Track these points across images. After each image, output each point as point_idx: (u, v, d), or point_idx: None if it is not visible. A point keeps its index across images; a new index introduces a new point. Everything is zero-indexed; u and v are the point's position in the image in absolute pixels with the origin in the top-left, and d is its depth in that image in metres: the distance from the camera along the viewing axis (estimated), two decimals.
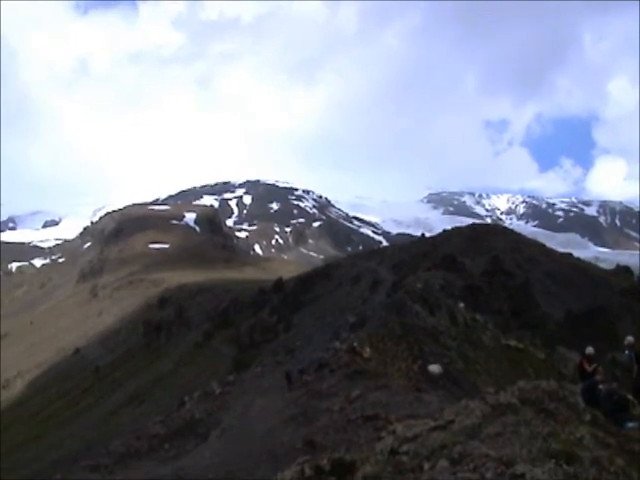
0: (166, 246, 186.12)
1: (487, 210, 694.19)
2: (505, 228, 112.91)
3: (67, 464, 40.52)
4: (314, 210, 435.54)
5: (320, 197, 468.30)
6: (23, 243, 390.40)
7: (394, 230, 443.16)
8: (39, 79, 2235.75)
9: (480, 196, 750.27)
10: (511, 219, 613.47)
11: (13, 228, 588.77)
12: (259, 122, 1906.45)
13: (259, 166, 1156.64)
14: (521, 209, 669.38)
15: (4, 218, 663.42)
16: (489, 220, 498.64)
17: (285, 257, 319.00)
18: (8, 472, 66.62)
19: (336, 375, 28.35)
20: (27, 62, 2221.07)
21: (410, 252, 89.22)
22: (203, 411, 31.19)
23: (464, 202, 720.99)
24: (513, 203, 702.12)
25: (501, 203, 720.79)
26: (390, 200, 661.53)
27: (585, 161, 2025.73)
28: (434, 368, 30.81)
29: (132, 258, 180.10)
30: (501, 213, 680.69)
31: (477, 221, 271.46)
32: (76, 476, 27.05)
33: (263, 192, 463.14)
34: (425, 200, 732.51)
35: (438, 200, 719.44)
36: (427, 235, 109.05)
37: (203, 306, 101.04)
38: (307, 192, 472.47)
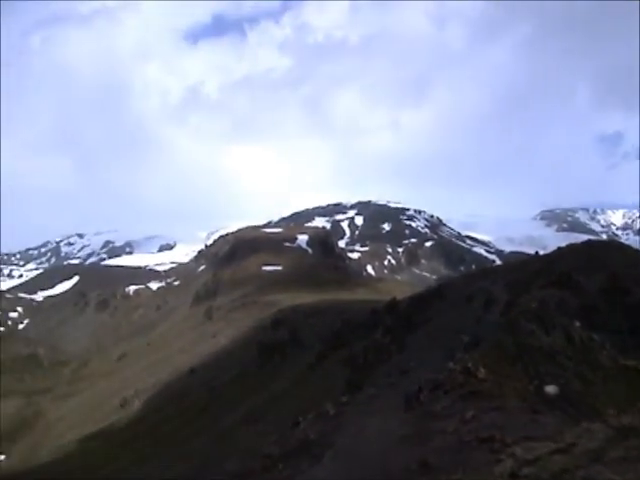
0: (279, 268, 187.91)
1: (602, 226, 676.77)
2: (622, 244, 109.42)
3: None
4: (426, 230, 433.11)
5: (432, 216, 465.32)
6: (139, 267, 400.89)
7: (507, 248, 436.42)
8: (152, 109, 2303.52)
9: (595, 212, 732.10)
10: (627, 234, 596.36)
11: (130, 252, 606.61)
12: (369, 143, 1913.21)
13: (370, 187, 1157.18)
14: (638, 224, 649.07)
15: (121, 243, 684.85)
16: (605, 236, 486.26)
17: (398, 277, 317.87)
18: None
19: (450, 396, 27.89)
20: (140, 93, 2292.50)
21: (524, 270, 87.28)
22: (317, 432, 31.12)
23: (578, 218, 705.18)
24: (629, 218, 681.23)
25: (617, 218, 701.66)
26: (503, 217, 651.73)
27: None
28: (550, 389, 29.93)
29: (245, 280, 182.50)
30: (617, 229, 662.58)
31: (592, 237, 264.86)
32: None
33: (375, 213, 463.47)
34: (538, 217, 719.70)
35: (551, 217, 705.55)
36: (541, 253, 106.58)
37: (316, 327, 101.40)
38: (419, 212, 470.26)
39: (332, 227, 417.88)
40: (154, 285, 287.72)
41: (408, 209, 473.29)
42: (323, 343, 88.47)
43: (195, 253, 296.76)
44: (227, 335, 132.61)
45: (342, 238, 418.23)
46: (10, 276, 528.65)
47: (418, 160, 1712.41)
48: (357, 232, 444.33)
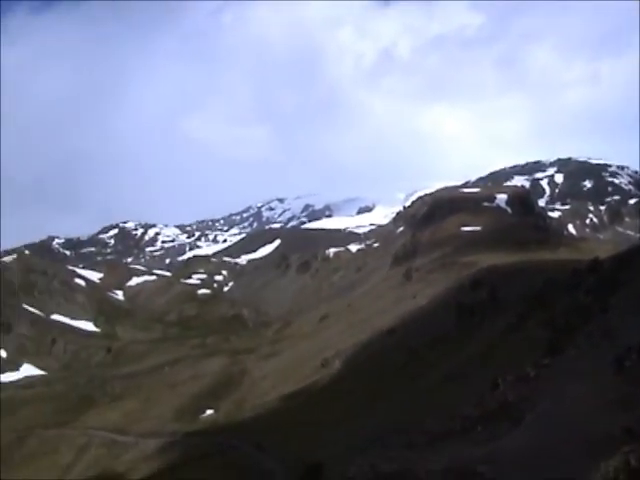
0: (478, 228, 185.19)
1: None
2: None
3: (382, 441, 41.30)
4: (630, 186, 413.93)
5: (636, 172, 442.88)
6: (339, 230, 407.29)
7: None
8: (345, 73, 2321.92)
9: None
10: None
11: (329, 215, 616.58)
12: (567, 97, 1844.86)
13: (570, 143, 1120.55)
14: None
15: (321, 206, 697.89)
16: None
17: (600, 237, 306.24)
18: (329, 444, 69.57)
19: None
20: (333, 58, 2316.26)
21: None
22: (517, 394, 30.32)
23: None
24: None
25: None
26: None
27: None
28: None
29: (444, 241, 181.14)
30: None
31: None
32: (392, 453, 27.29)
33: (575, 170, 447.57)
34: None
35: None
36: None
37: (516, 288, 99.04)
38: (622, 168, 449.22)
39: (531, 186, 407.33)
40: (354, 247, 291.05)
41: (610, 165, 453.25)
42: (523, 304, 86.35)
43: (393, 214, 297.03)
44: (426, 296, 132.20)
45: (542, 197, 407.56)
46: (215, 241, 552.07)
47: (621, 113, 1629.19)
48: (557, 190, 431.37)
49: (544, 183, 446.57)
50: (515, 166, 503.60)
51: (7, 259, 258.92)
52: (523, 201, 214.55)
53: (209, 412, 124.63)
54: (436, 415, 37.78)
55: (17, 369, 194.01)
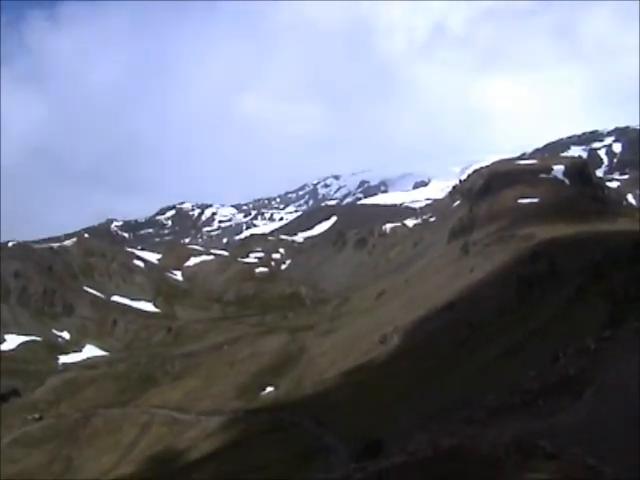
0: (535, 200, 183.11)
1: None
2: None
3: (442, 416, 41.37)
4: None
5: None
6: (395, 205, 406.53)
7: None
8: (398, 48, 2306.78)
9: None
10: None
11: (385, 191, 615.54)
12: (624, 64, 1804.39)
13: (628, 111, 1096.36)
14: None
15: (376, 182, 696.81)
16: None
17: None
18: (389, 420, 69.84)
19: None
20: (385, 34, 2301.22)
21: None
22: (577, 367, 30.02)
23: None
24: None
25: None
26: None
27: None
28: None
29: (501, 214, 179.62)
30: None
31: None
32: (452, 428, 27.29)
33: (634, 138, 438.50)
34: None
35: None
36: None
37: (576, 260, 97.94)
38: None
39: (589, 156, 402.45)
40: (410, 222, 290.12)
41: None
42: (583, 276, 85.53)
43: (449, 189, 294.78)
44: (484, 270, 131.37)
45: (600, 167, 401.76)
46: (271, 219, 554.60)
47: None
48: (615, 160, 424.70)
49: (602, 153, 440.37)
50: (572, 136, 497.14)
51: (67, 243, 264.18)
52: (581, 172, 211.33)
53: (269, 389, 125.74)
54: (496, 389, 37.64)
55: (80, 350, 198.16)
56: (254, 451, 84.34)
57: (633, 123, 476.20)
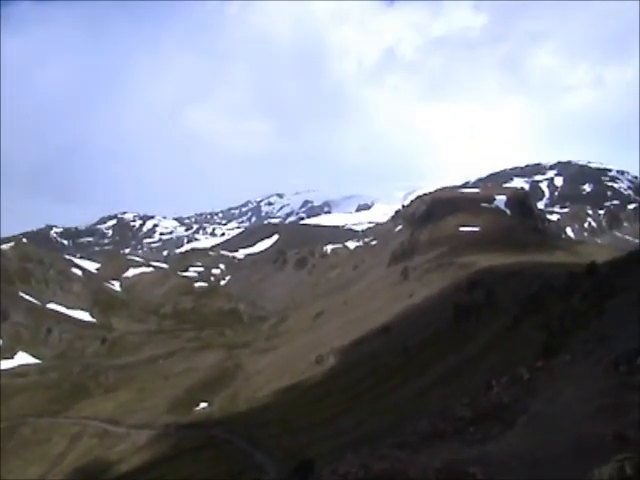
0: (476, 229, 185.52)
1: None
2: None
3: (375, 439, 41.38)
4: (629, 191, 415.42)
5: (636, 178, 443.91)
6: (337, 226, 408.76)
7: None
8: (348, 71, 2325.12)
9: None
10: None
11: (328, 212, 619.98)
12: (570, 101, 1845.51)
13: (570, 146, 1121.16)
14: None
15: (320, 203, 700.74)
16: None
17: (598, 241, 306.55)
18: (321, 441, 69.71)
19: None
20: (337, 56, 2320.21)
21: None
22: (510, 396, 30.32)
23: None
24: None
25: None
26: None
27: None
28: None
29: (442, 241, 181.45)
30: None
31: None
32: (383, 452, 27.29)
33: (575, 173, 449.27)
34: None
35: None
36: None
37: (513, 290, 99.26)
38: (622, 172, 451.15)
39: (531, 188, 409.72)
40: (352, 244, 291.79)
41: (610, 170, 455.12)
42: (519, 306, 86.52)
43: (392, 213, 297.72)
44: (423, 295, 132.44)
45: (541, 199, 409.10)
46: (213, 234, 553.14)
47: (622, 119, 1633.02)
48: (556, 193, 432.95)
49: (544, 186, 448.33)
50: (515, 168, 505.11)
51: (5, 247, 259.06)
52: (522, 203, 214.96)
53: (203, 405, 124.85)
54: (429, 415, 37.78)
55: (12, 357, 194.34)
56: (184, 467, 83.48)
57: (575, 158, 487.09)
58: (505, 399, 30.03)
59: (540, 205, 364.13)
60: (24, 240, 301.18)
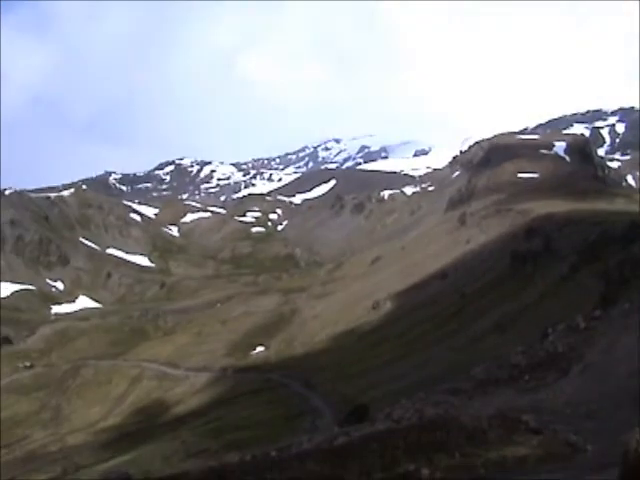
0: (535, 175, 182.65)
1: None
2: None
3: (429, 385, 41.65)
4: None
5: None
6: (395, 172, 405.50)
7: None
8: (408, 14, 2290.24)
9: None
10: None
11: (385, 157, 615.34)
12: (635, 47, 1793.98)
13: (634, 91, 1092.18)
14: None
15: (377, 148, 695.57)
16: None
17: None
18: (376, 386, 70.31)
19: None
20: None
21: None
22: (566, 345, 30.24)
23: None
24: None
25: None
26: None
27: None
28: None
29: (500, 187, 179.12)
30: None
31: None
32: (437, 397, 27.57)
33: (637, 119, 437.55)
34: None
35: None
36: None
37: (571, 238, 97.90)
38: None
39: (591, 134, 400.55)
40: (408, 190, 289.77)
41: None
42: (577, 254, 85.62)
43: (450, 159, 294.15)
44: (480, 242, 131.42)
45: (602, 146, 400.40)
46: (270, 179, 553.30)
47: None
48: (618, 140, 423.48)
49: (605, 132, 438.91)
50: (575, 114, 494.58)
51: (65, 194, 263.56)
52: (582, 150, 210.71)
53: (260, 349, 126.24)
54: (484, 362, 37.89)
55: (73, 301, 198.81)
56: (241, 409, 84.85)
57: (637, 104, 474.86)
58: (560, 347, 29.97)
59: (601, 152, 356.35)
60: (83, 187, 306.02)
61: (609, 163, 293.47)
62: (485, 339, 75.45)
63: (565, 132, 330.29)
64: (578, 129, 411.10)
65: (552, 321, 41.12)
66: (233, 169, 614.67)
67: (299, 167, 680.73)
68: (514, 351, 34.21)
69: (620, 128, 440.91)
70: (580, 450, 15.78)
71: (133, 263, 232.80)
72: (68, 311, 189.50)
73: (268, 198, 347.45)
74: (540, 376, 26.47)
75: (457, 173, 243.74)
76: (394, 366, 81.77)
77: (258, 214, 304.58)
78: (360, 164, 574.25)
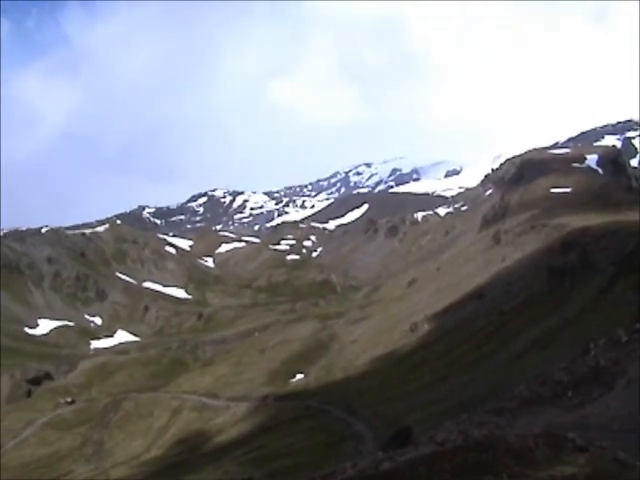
0: (568, 190, 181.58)
1: None
2: None
3: (472, 406, 41.34)
4: None
5: None
6: (427, 193, 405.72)
7: None
8: (433, 32, 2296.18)
9: None
10: None
11: (417, 179, 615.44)
12: None
13: None
14: None
15: (408, 170, 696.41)
16: None
17: None
18: (417, 408, 69.90)
19: None
20: (419, 17, 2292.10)
21: None
22: (608, 359, 29.88)
23: None
24: None
25: None
26: None
27: None
28: None
29: (533, 203, 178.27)
30: None
31: None
32: (481, 418, 27.31)
33: None
34: None
35: None
36: None
37: (607, 250, 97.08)
38: None
39: (623, 145, 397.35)
40: (442, 210, 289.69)
41: None
42: (615, 266, 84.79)
43: (482, 177, 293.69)
44: (515, 259, 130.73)
45: (634, 157, 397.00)
46: (303, 207, 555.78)
47: None
48: None
49: (636, 142, 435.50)
50: (606, 125, 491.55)
51: (100, 229, 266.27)
52: (614, 161, 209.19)
53: (299, 376, 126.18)
54: (527, 380, 37.54)
55: (112, 335, 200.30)
56: (282, 437, 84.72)
57: None
58: (603, 362, 29.61)
59: (634, 162, 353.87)
60: (118, 221, 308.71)
61: None
62: (525, 357, 74.88)
63: (596, 144, 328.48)
64: (610, 141, 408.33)
65: (593, 335, 40.72)
66: (266, 198, 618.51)
67: (331, 193, 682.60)
68: (556, 368, 33.88)
69: None
70: (629, 466, 15.53)
71: (170, 295, 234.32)
72: (107, 346, 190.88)
73: (302, 225, 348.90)
74: (584, 392, 26.20)
75: (490, 191, 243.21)
76: (435, 388, 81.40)
77: (292, 242, 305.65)
78: (392, 187, 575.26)
